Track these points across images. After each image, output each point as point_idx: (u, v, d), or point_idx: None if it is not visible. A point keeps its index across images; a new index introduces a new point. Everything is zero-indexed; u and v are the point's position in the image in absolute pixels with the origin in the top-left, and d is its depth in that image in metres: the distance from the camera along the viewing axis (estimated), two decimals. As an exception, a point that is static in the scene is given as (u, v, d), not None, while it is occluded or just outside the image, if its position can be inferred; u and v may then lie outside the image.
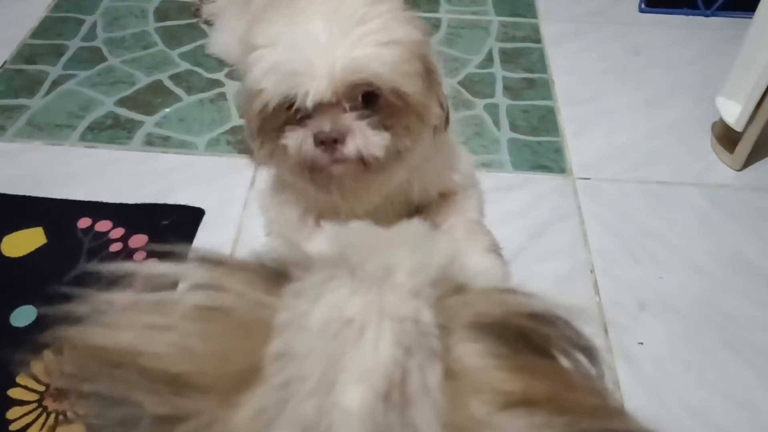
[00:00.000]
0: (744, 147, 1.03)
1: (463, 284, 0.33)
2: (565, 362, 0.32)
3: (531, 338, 0.31)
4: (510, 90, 1.19)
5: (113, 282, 0.32)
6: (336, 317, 0.29)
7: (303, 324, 0.29)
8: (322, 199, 0.82)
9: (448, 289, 0.32)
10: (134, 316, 0.30)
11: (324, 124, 0.69)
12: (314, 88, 0.66)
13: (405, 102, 0.70)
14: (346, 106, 0.68)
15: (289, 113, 0.70)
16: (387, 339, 0.28)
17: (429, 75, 0.73)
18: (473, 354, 0.29)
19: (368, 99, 0.69)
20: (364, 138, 0.69)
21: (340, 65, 0.66)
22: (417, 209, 0.89)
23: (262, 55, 0.68)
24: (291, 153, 0.72)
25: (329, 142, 0.69)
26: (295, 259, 0.33)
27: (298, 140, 0.71)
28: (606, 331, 0.82)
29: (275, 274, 0.32)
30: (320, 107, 0.68)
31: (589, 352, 0.33)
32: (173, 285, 0.32)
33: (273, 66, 0.67)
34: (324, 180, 0.75)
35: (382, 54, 0.67)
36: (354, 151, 0.69)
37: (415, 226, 0.38)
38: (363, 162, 0.71)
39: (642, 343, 0.81)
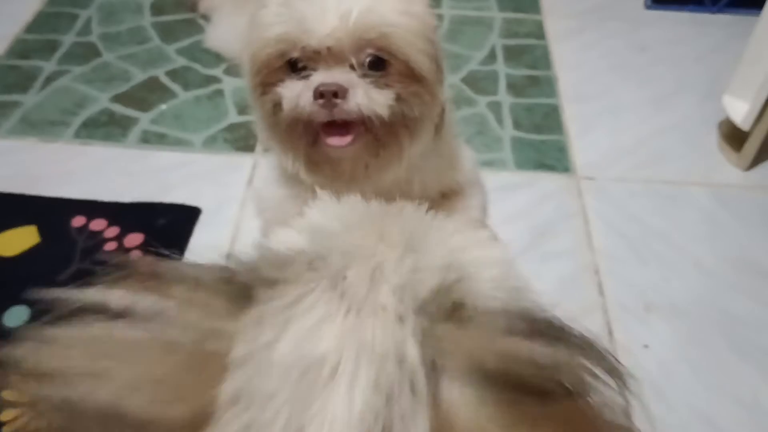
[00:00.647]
0: (751, 146, 1.01)
1: (461, 302, 0.29)
2: (581, 397, 0.28)
3: (536, 382, 0.27)
4: (513, 87, 1.17)
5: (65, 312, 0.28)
6: (306, 353, 0.24)
7: (266, 359, 0.25)
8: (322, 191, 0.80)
9: (443, 310, 0.28)
10: (69, 358, 0.26)
11: (326, 76, 0.66)
12: (325, 27, 0.64)
13: (414, 74, 0.68)
14: (353, 62, 0.66)
15: (288, 70, 0.68)
16: (364, 382, 0.24)
17: (437, 63, 0.72)
18: (466, 402, 0.25)
19: (376, 64, 0.67)
20: (367, 95, 0.66)
21: (355, 17, 0.64)
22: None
23: (272, 7, 0.67)
24: (286, 107, 0.68)
25: (329, 95, 0.65)
26: (267, 264, 0.29)
27: (295, 91, 0.67)
28: (611, 333, 0.81)
29: (239, 291, 0.28)
30: (324, 61, 0.66)
31: (616, 374, 0.29)
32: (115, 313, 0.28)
33: (284, 8, 0.66)
34: (318, 158, 0.73)
35: (399, 20, 0.66)
36: (355, 107, 0.66)
37: (415, 212, 0.35)
38: (364, 125, 0.68)
39: (647, 346, 0.80)
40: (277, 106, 0.70)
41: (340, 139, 0.69)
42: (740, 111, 1.00)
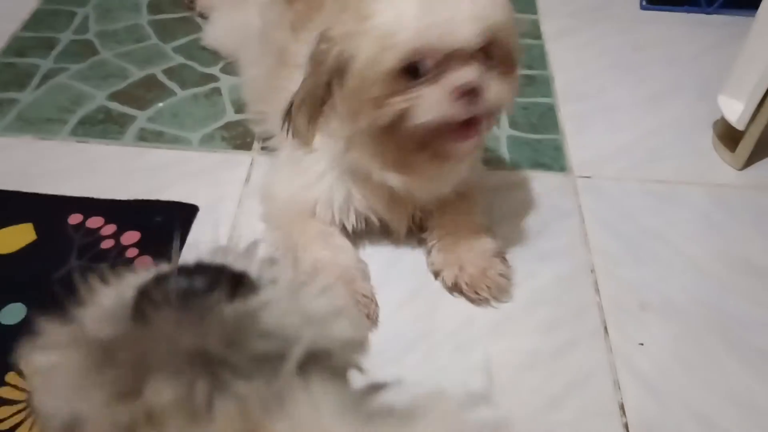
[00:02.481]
0: (746, 146, 1.02)
1: None
2: None
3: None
4: (509, 87, 1.17)
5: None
6: None
7: None
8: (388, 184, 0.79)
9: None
10: None
11: (465, 75, 0.66)
12: (461, 32, 0.65)
13: (511, 61, 0.71)
14: (482, 57, 0.68)
15: (407, 78, 0.67)
16: None
17: None
18: None
19: (487, 56, 0.69)
20: (500, 88, 0.68)
21: (484, 14, 0.66)
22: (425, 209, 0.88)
23: (393, 13, 0.66)
24: (422, 116, 0.68)
25: (470, 94, 0.66)
26: None
27: (433, 97, 0.67)
28: (606, 331, 0.81)
29: None
30: (454, 62, 0.67)
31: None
32: None
33: (413, 16, 0.66)
34: (418, 161, 0.74)
35: (507, 12, 0.69)
36: (492, 103, 0.68)
37: None
38: (489, 117, 0.70)
39: (642, 344, 0.80)
40: (401, 116, 0.69)
41: (469, 136, 0.70)
42: (735, 111, 1.01)
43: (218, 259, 0.30)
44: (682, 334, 0.82)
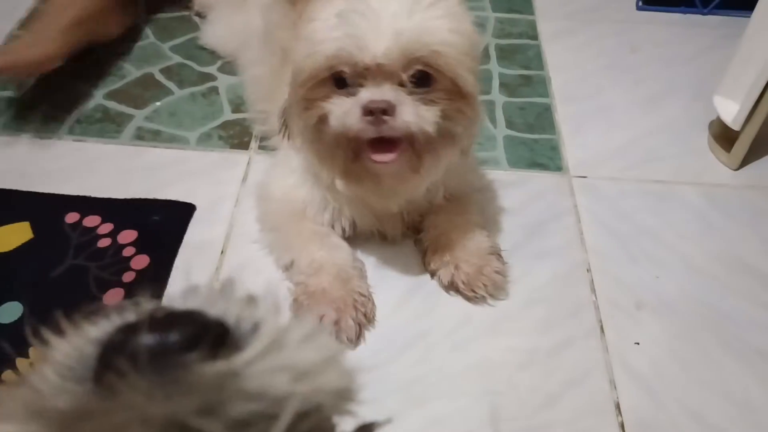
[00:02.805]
0: (741, 146, 1.02)
1: None
2: None
3: None
4: (506, 87, 1.18)
5: None
6: None
7: None
8: (344, 198, 0.81)
9: None
10: None
11: (375, 93, 0.66)
12: (379, 47, 0.65)
13: (459, 91, 0.69)
14: (403, 77, 0.67)
15: (333, 86, 0.69)
16: None
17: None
18: None
19: (421, 81, 0.68)
20: (415, 112, 0.67)
21: (409, 34, 0.65)
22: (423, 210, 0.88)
23: (325, 19, 0.67)
24: (333, 124, 0.69)
25: (378, 113, 0.66)
26: None
27: (344, 108, 0.68)
28: (602, 330, 0.81)
29: None
30: (371, 78, 0.67)
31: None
32: None
33: (338, 24, 0.66)
34: (358, 171, 0.73)
35: (449, 38, 0.67)
36: (403, 124, 0.67)
37: None
38: (409, 141, 0.69)
39: (638, 343, 0.81)
40: (322, 120, 0.70)
41: (385, 155, 0.69)
42: (731, 111, 1.01)
43: (191, 303, 0.26)
44: (677, 333, 0.82)
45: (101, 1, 1.12)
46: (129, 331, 0.24)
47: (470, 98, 0.71)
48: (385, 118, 0.66)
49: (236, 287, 0.28)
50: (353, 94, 0.68)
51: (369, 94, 0.67)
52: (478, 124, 0.76)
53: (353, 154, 0.72)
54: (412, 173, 0.73)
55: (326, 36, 0.67)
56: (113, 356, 0.23)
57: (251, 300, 0.27)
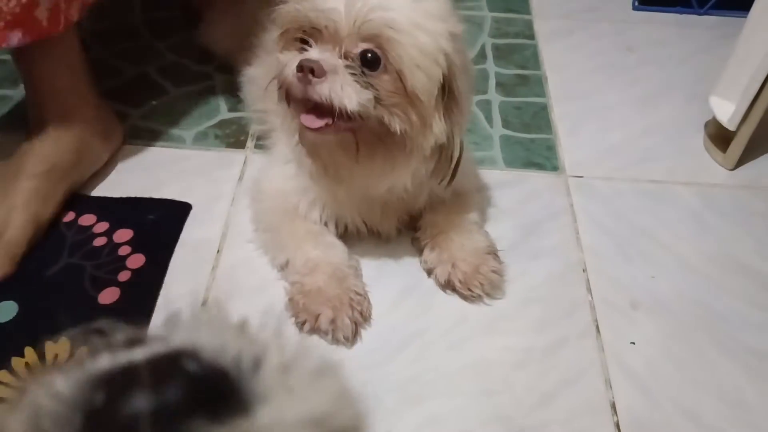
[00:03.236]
0: (737, 146, 1.02)
1: None
2: None
3: None
4: (503, 86, 1.18)
5: None
6: None
7: None
8: (326, 188, 0.81)
9: None
10: None
11: (313, 53, 0.68)
12: (326, 6, 0.66)
13: (404, 88, 0.68)
14: (347, 48, 0.67)
15: (298, 43, 0.70)
16: None
17: (449, 102, 0.71)
18: None
19: (371, 63, 0.67)
20: (342, 85, 0.67)
21: (360, 6, 0.65)
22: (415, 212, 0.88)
23: None
24: (279, 71, 0.71)
25: (307, 71, 0.66)
26: None
27: (286, 60, 0.70)
28: (598, 330, 0.82)
29: None
30: (321, 41, 0.68)
31: None
32: None
33: None
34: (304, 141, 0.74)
35: (406, 29, 0.66)
36: (326, 91, 0.67)
37: None
38: (339, 117, 0.68)
39: (634, 343, 0.81)
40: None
41: (312, 120, 0.69)
42: (727, 111, 1.01)
43: (178, 336, 0.23)
44: (673, 332, 0.82)
45: (80, 136, 0.92)
46: (116, 386, 0.20)
47: (416, 101, 0.68)
48: (312, 79, 0.67)
49: (225, 311, 0.24)
50: (301, 52, 0.70)
51: (309, 53, 0.68)
52: (428, 135, 0.71)
53: (294, 112, 0.73)
54: (346, 157, 0.73)
55: None
56: (101, 428, 0.19)
57: (243, 327, 0.24)
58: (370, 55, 0.67)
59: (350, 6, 0.66)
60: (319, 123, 0.69)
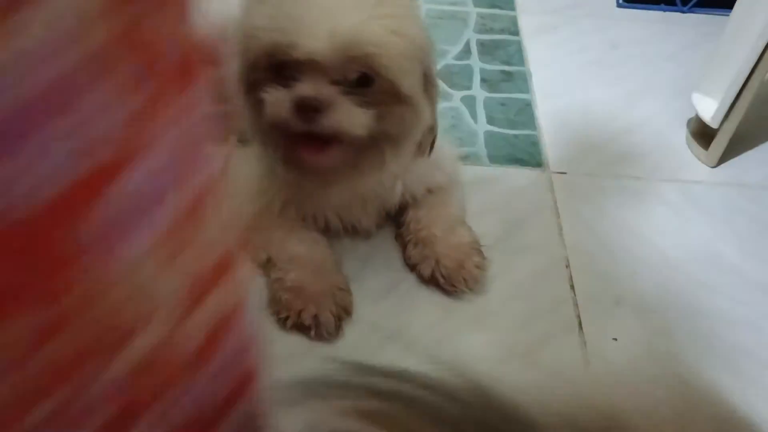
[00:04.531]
0: (719, 144, 1.03)
1: None
2: None
3: None
4: (487, 82, 1.18)
5: None
6: None
7: None
8: (299, 187, 0.80)
9: None
10: None
11: (308, 89, 0.65)
12: (311, 42, 0.63)
13: (398, 94, 0.68)
14: (339, 77, 0.65)
15: (273, 73, 0.67)
16: None
17: (428, 86, 0.71)
18: None
19: (362, 81, 0.67)
20: (347, 113, 0.66)
21: (344, 34, 0.63)
22: (400, 205, 0.88)
23: (266, 6, 0.66)
24: (267, 112, 0.67)
25: (308, 109, 0.65)
26: None
27: (277, 99, 0.66)
28: (581, 326, 0.82)
29: None
30: (308, 72, 0.65)
31: None
32: None
33: (276, 11, 0.65)
34: (298, 160, 0.72)
35: (388, 40, 0.65)
36: (334, 123, 0.65)
37: None
38: (342, 141, 0.67)
39: (616, 339, 0.81)
40: (261, 104, 0.69)
41: (316, 153, 0.68)
42: (709, 109, 1.02)
43: None
44: (655, 329, 0.83)
45: None
46: None
47: (410, 101, 0.69)
48: (315, 115, 0.65)
49: None
50: (289, 85, 0.66)
51: (302, 88, 0.65)
52: (421, 126, 0.73)
53: (290, 142, 0.71)
54: (350, 169, 0.72)
55: (264, 25, 0.65)
56: None
57: None
58: (362, 75, 0.66)
59: (333, 37, 0.63)
60: (323, 155, 0.68)
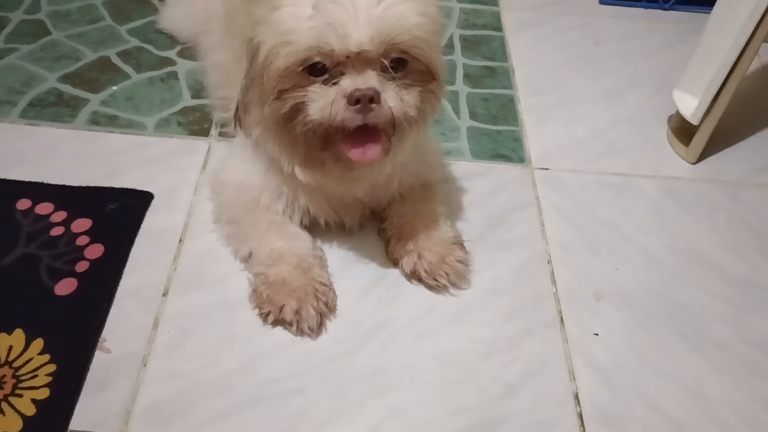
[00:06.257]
0: (699, 140, 1.04)
1: None
2: None
3: None
4: (470, 78, 1.17)
5: None
6: None
7: None
8: (294, 183, 0.80)
9: None
10: None
11: (359, 81, 0.66)
12: (358, 35, 0.64)
13: (430, 73, 0.70)
14: (384, 63, 0.66)
15: (308, 75, 0.67)
16: None
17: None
18: None
19: (397, 66, 0.68)
20: (398, 97, 0.67)
21: (384, 20, 0.64)
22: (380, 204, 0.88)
23: (295, 7, 0.66)
24: (313, 114, 0.67)
25: (365, 101, 0.65)
26: None
27: (327, 98, 0.66)
28: (562, 321, 0.82)
29: None
30: (351, 66, 0.66)
31: None
32: None
33: (312, 15, 0.65)
34: (322, 159, 0.73)
35: (420, 22, 0.67)
36: (389, 110, 0.67)
37: None
38: (392, 128, 0.69)
39: (597, 334, 0.81)
40: (295, 109, 0.69)
41: (365, 149, 0.69)
42: (690, 106, 1.02)
43: None
44: (636, 324, 0.83)
45: None
46: None
47: (439, 79, 0.72)
48: (372, 105, 0.66)
49: None
50: (333, 83, 0.67)
51: (353, 82, 0.66)
52: (442, 101, 0.77)
53: (323, 143, 0.71)
54: (384, 157, 0.73)
55: (301, 26, 0.65)
56: None
57: None
58: (398, 59, 0.67)
59: (377, 25, 0.64)
60: (375, 150, 0.69)
